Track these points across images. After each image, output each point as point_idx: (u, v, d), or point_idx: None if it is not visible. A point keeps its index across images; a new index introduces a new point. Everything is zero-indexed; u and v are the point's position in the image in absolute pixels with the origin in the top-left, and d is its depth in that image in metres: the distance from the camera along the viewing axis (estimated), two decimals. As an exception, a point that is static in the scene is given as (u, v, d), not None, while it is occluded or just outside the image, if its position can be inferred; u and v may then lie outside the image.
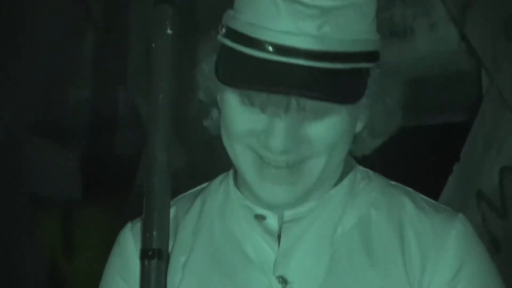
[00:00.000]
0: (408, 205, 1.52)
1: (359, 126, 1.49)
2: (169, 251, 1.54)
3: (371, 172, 1.58)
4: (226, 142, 1.48)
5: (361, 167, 1.58)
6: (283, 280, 1.45)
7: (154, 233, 1.48)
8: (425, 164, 2.51)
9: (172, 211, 1.59)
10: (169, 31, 1.53)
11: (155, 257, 1.48)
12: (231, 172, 1.57)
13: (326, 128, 1.42)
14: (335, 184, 1.53)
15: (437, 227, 1.49)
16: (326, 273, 1.46)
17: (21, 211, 4.22)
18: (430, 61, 2.70)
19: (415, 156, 2.51)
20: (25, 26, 4.12)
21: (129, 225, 1.58)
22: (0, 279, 4.29)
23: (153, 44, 1.53)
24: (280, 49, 1.40)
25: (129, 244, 1.56)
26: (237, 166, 1.48)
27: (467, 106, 2.59)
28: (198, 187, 1.63)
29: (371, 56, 1.41)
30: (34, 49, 4.12)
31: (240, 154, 1.46)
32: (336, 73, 1.37)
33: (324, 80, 1.38)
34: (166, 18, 1.55)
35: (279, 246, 1.47)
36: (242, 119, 1.45)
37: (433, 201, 1.56)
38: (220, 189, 1.59)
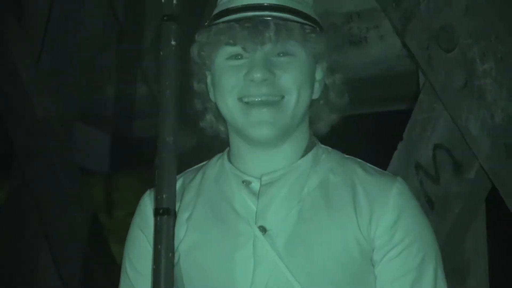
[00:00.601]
0: (358, 171, 1.52)
1: (316, 92, 1.52)
2: (177, 209, 1.52)
3: (330, 148, 1.58)
4: (221, 104, 1.50)
5: (322, 145, 1.58)
6: (263, 229, 1.45)
7: (163, 196, 1.47)
8: (376, 142, 2.48)
9: (180, 180, 1.60)
10: (173, 42, 1.52)
11: (164, 214, 1.47)
12: (226, 151, 1.58)
13: (292, 63, 1.45)
14: (302, 156, 1.53)
15: (381, 186, 1.49)
16: (295, 223, 1.46)
17: (71, 179, 4.19)
18: (380, 64, 2.70)
19: (369, 135, 2.48)
20: (75, 38, 4.08)
21: (148, 191, 1.59)
22: (55, 230, 4.25)
23: (161, 52, 1.52)
24: (251, 7, 1.45)
25: (147, 205, 1.57)
26: (231, 118, 1.49)
27: (408, 97, 2.59)
28: (201, 164, 1.64)
29: (315, 21, 1.48)
30: (79, 57, 4.09)
31: (232, 106, 1.47)
32: (292, 20, 1.44)
33: (285, 17, 1.44)
34: (170, 32, 1.53)
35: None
36: (230, 72, 1.47)
37: (378, 168, 1.56)
38: (217, 164, 1.59)
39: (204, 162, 1.64)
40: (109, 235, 4.37)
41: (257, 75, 1.44)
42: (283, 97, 1.45)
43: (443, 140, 2.41)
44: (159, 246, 1.46)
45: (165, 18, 1.55)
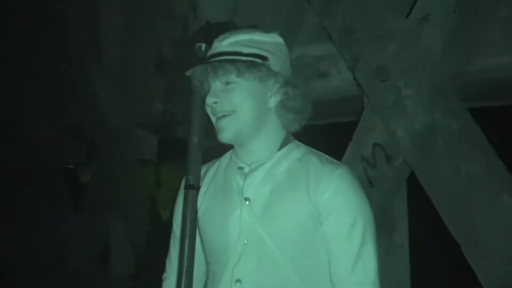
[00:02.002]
0: (315, 160, 1.49)
1: (273, 100, 1.48)
2: (201, 186, 1.55)
3: (302, 145, 1.56)
4: (213, 121, 1.50)
5: (297, 142, 1.56)
6: (247, 199, 1.45)
7: (189, 176, 1.51)
8: (335, 142, 2.49)
9: (205, 167, 1.61)
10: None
11: (190, 188, 1.51)
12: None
13: (234, 91, 1.44)
14: (279, 149, 1.51)
15: (327, 171, 1.45)
16: (268, 196, 1.46)
17: (133, 166, 4.21)
18: (338, 90, 2.70)
19: (330, 138, 2.48)
20: (137, 65, 4.00)
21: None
22: (123, 201, 4.23)
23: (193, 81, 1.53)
24: (215, 54, 1.47)
25: (183, 184, 1.58)
26: (214, 126, 1.49)
27: (356, 112, 2.56)
28: (220, 157, 1.64)
29: (259, 56, 1.45)
30: (138, 82, 4.02)
31: (212, 119, 1.49)
32: (235, 58, 1.44)
33: (231, 59, 1.44)
34: (198, 54, 1.54)
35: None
36: (208, 102, 1.47)
37: (332, 159, 1.52)
38: (228, 156, 1.58)
39: (222, 156, 1.64)
40: (158, 203, 4.40)
41: (208, 101, 1.46)
42: (234, 110, 1.44)
43: (379, 141, 2.41)
44: (186, 209, 1.50)
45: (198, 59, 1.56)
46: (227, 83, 1.45)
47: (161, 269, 1.67)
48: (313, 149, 1.55)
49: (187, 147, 1.55)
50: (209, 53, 1.50)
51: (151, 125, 4.01)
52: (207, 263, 1.57)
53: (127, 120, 4.13)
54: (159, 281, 1.66)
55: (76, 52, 4.44)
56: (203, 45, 1.53)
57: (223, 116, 1.45)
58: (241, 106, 1.44)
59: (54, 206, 4.87)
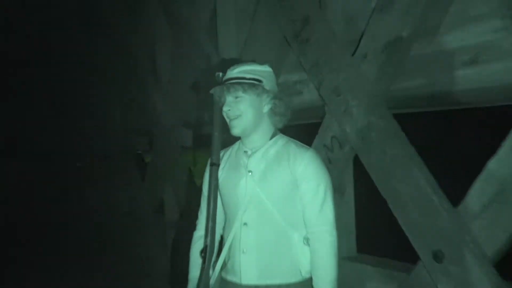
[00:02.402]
0: (293, 146, 1.49)
1: (266, 108, 1.46)
2: (219, 163, 1.50)
3: (285, 136, 1.55)
4: (227, 122, 1.46)
5: (282, 134, 1.54)
6: (250, 171, 1.42)
7: (213, 157, 1.47)
8: (309, 135, 2.45)
9: (223, 151, 1.56)
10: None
11: (213, 165, 1.47)
12: None
13: (240, 102, 1.43)
14: (270, 139, 1.50)
15: (301, 152, 1.45)
16: (263, 169, 1.43)
17: (176, 151, 4.14)
18: (309, 103, 2.63)
19: (305, 132, 2.45)
20: (182, 85, 3.93)
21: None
22: (173, 171, 4.11)
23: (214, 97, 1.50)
24: (229, 79, 1.44)
25: (209, 162, 1.52)
26: (228, 125, 1.45)
27: (320, 116, 2.50)
28: (232, 145, 1.60)
29: (256, 80, 1.43)
30: (180, 97, 3.93)
31: (227, 120, 1.47)
32: (241, 81, 1.41)
33: (238, 81, 1.41)
34: (217, 79, 1.49)
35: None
36: (224, 110, 1.45)
37: (305, 145, 1.50)
38: (237, 144, 1.54)
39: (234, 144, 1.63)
40: (194, 174, 4.38)
41: (224, 109, 1.46)
42: (240, 115, 1.44)
43: (335, 134, 2.37)
44: (211, 179, 1.48)
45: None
46: (236, 97, 1.44)
47: (195, 217, 1.67)
48: (292, 139, 1.54)
49: (211, 138, 1.53)
50: (225, 78, 1.48)
51: (189, 124, 3.97)
52: (225, 213, 1.56)
53: (174, 121, 4.08)
54: (194, 225, 1.66)
55: (142, 77, 4.46)
56: (221, 73, 1.51)
57: (234, 119, 1.45)
58: (245, 112, 1.44)
59: (127, 177, 4.92)
